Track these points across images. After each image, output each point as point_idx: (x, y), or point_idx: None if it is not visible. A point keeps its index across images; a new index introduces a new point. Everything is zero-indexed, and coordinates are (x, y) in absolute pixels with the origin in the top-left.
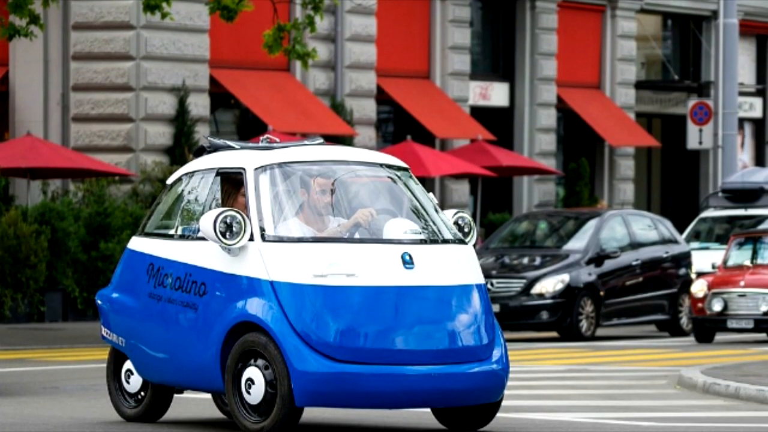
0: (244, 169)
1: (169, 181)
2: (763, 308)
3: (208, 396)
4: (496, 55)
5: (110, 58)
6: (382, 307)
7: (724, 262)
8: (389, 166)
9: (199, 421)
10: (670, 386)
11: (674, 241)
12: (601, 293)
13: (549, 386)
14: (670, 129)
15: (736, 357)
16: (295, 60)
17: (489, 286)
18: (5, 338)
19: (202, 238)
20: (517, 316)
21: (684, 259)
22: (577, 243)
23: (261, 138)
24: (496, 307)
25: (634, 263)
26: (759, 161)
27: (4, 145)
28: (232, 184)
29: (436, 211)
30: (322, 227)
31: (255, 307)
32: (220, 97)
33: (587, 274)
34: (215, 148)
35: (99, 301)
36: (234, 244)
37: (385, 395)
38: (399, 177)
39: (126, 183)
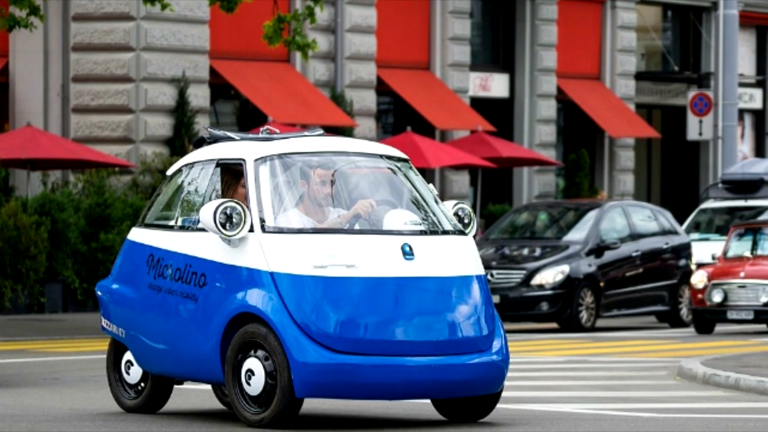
0: (244, 160)
1: (169, 172)
2: (763, 299)
3: (208, 387)
4: (496, 46)
5: (110, 49)
6: (382, 298)
7: (724, 253)
8: (389, 157)
9: (199, 412)
10: (670, 377)
11: (674, 232)
12: (601, 284)
13: (549, 377)
14: (670, 120)
15: (736, 348)
16: (295, 51)
17: (489, 277)
18: (5, 329)
19: (202, 229)
20: (517, 307)
21: (684, 250)
22: (577, 234)
23: (261, 129)
24: (496, 298)
25: (634, 254)
26: (759, 152)
27: (4, 136)
28: (232, 175)
29: (436, 202)
30: (322, 218)
31: (255, 298)
32: (220, 88)
33: (587, 265)
34: (215, 139)
35: (99, 292)
36: (234, 235)
37: (385, 386)
38: (399, 168)
39: (126, 174)
